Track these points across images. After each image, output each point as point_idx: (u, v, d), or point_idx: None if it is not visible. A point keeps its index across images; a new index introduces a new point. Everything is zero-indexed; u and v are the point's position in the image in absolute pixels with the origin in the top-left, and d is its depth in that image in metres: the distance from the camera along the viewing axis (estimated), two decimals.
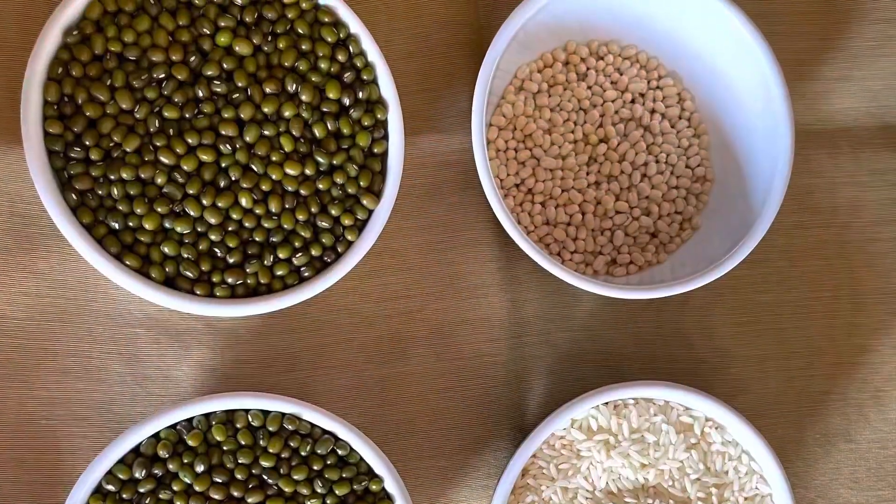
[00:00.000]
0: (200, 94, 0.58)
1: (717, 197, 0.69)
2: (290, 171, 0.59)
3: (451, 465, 0.68)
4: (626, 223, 0.68)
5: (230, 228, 0.59)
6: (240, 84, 0.59)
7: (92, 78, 0.57)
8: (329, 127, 0.60)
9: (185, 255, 0.58)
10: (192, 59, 0.58)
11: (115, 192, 0.57)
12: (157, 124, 0.57)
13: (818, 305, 0.72)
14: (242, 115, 0.59)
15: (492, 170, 0.64)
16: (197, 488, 0.57)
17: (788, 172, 0.65)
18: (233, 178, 0.58)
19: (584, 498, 0.62)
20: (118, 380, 0.64)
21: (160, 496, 0.57)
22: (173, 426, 0.58)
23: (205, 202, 0.58)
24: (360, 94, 0.61)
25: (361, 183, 0.61)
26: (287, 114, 0.59)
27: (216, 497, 0.57)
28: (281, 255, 0.59)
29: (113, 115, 0.57)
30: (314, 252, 0.60)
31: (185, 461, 0.57)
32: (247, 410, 0.58)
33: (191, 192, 0.58)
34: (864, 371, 0.72)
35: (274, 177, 0.59)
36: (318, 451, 0.59)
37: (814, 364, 0.72)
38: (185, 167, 0.58)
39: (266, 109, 0.59)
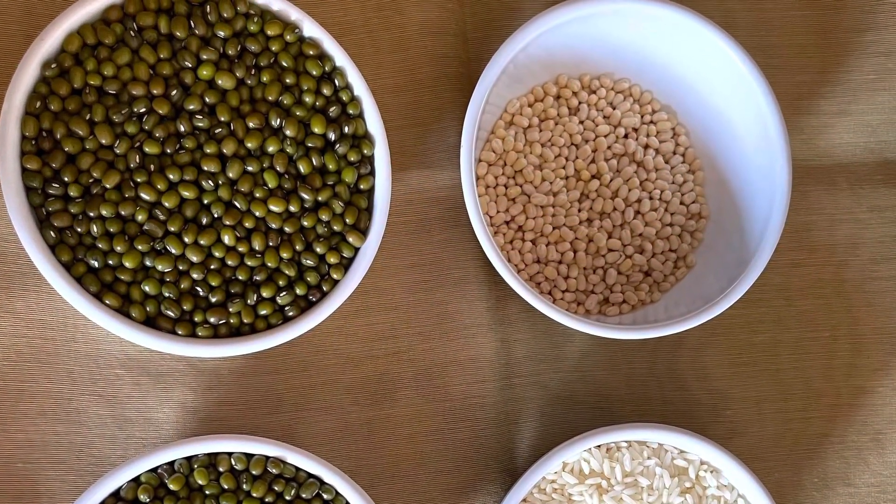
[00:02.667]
0: (182, 128, 0.58)
1: (712, 234, 0.69)
2: (274, 208, 0.59)
3: None
4: (619, 261, 0.67)
5: (212, 267, 0.58)
6: (222, 118, 0.58)
7: (71, 112, 0.56)
8: (314, 162, 0.60)
9: (167, 294, 0.57)
10: (174, 92, 0.58)
11: (95, 229, 0.56)
12: (137, 160, 0.57)
13: (816, 346, 0.71)
14: (225, 151, 0.58)
15: (481, 206, 0.64)
16: None
17: (785, 209, 0.65)
18: (215, 216, 0.58)
19: None
20: (98, 422, 0.64)
21: None
22: (154, 469, 0.57)
23: (186, 240, 0.57)
24: (346, 129, 0.60)
25: (347, 220, 0.60)
26: (271, 149, 0.59)
27: None
28: (265, 294, 0.59)
29: (92, 150, 0.56)
30: (299, 291, 0.59)
31: None
32: (230, 453, 0.58)
33: (172, 229, 0.57)
34: (863, 413, 0.71)
35: (257, 214, 0.58)
36: (303, 496, 0.58)
37: (811, 406, 0.71)
38: (167, 204, 0.57)
39: (249, 144, 0.58)
